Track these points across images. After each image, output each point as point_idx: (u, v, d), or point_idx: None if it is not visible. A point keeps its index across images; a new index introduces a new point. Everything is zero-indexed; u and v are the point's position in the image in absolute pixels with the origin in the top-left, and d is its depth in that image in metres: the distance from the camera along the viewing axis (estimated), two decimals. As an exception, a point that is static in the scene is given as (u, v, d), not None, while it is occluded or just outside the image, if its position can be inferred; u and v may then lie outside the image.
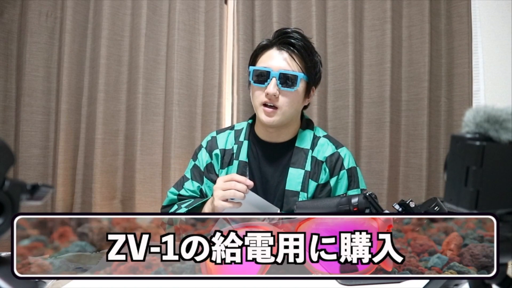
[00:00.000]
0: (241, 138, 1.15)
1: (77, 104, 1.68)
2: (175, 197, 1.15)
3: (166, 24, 1.69)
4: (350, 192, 1.08)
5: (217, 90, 1.63)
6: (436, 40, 1.66)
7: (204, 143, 1.20)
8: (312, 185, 1.08)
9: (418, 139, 1.62)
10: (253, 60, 1.12)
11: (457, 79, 1.63)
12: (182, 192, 1.14)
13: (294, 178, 1.08)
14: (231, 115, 1.70)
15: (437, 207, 0.61)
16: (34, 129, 1.63)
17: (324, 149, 1.11)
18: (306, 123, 1.17)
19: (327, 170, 1.09)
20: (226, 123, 1.70)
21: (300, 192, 1.07)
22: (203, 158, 1.16)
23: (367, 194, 0.67)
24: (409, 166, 1.64)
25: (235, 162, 1.12)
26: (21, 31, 1.66)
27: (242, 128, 1.18)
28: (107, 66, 1.64)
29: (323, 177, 1.09)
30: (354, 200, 0.69)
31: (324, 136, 1.16)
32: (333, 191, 1.09)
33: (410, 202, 0.63)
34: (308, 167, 1.09)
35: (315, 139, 1.13)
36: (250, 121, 1.20)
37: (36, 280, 0.26)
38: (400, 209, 0.64)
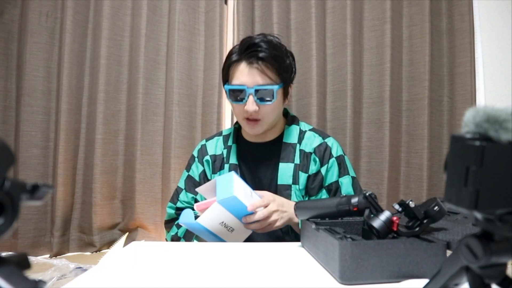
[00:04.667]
0: (230, 142, 1.17)
1: (77, 104, 1.68)
2: (173, 211, 1.17)
3: (166, 24, 1.69)
4: (342, 179, 1.10)
5: (217, 90, 1.63)
6: (437, 39, 1.66)
7: (195, 153, 1.22)
8: (303, 176, 1.09)
9: (419, 139, 1.62)
10: (225, 75, 1.10)
11: (459, 78, 1.63)
12: (178, 204, 1.16)
13: (285, 172, 1.09)
14: (231, 115, 1.70)
15: (437, 207, 0.60)
16: (34, 129, 1.63)
17: (311, 141, 1.13)
18: (291, 119, 1.18)
19: (317, 159, 1.10)
20: (226, 123, 1.70)
21: (292, 185, 1.08)
22: (197, 168, 1.19)
23: (367, 194, 0.67)
24: (410, 166, 1.63)
25: (226, 166, 1.14)
26: (21, 31, 1.66)
27: (230, 133, 1.20)
28: (107, 66, 1.65)
29: (313, 168, 1.10)
30: (354, 200, 0.69)
31: (310, 130, 1.17)
32: (324, 180, 1.10)
33: (410, 202, 0.62)
34: (297, 160, 1.10)
35: (302, 133, 1.15)
36: (236, 125, 1.22)
37: (36, 280, 0.26)
38: (399, 209, 0.64)
